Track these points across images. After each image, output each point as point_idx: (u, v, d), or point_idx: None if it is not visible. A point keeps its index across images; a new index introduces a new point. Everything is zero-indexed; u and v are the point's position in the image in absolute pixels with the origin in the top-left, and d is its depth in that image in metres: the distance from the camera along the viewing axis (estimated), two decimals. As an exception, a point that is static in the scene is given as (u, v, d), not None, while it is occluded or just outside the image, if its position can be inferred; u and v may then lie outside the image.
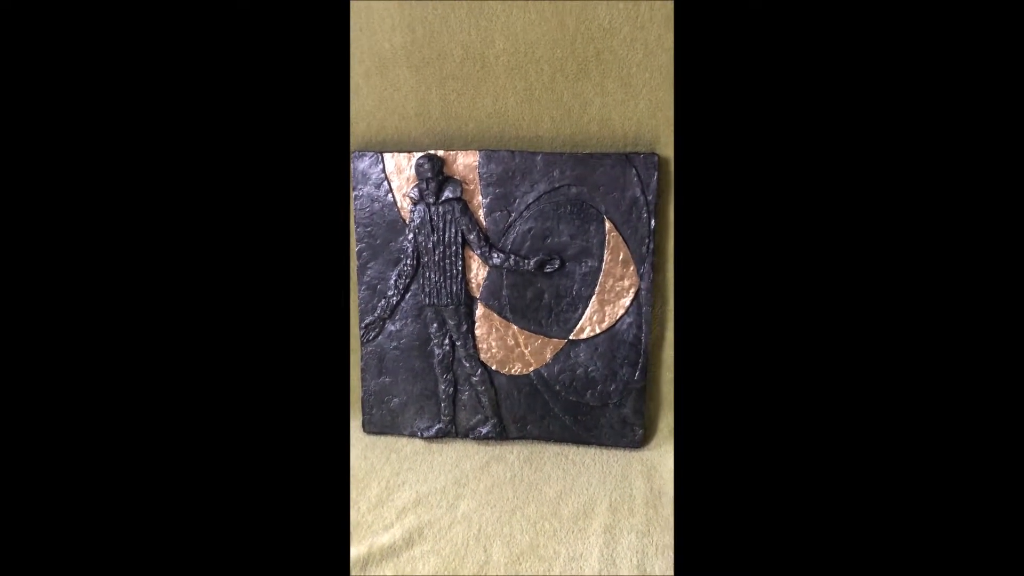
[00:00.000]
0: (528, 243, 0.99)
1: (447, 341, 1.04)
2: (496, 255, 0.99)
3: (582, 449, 1.05)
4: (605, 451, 1.05)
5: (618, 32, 0.91)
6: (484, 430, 1.07)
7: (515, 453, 1.05)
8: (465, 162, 0.98)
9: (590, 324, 1.02)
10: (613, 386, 1.03)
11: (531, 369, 1.04)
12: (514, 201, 0.98)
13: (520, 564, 0.82)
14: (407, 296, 1.04)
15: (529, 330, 1.03)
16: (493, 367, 1.05)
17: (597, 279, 1.00)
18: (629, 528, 0.88)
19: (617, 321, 1.01)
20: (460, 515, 0.91)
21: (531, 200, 0.98)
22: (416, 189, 0.99)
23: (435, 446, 1.07)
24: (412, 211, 1.00)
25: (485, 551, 0.85)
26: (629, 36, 0.91)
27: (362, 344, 1.07)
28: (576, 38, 0.92)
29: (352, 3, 0.94)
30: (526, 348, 1.04)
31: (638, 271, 0.99)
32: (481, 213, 0.99)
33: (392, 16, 0.94)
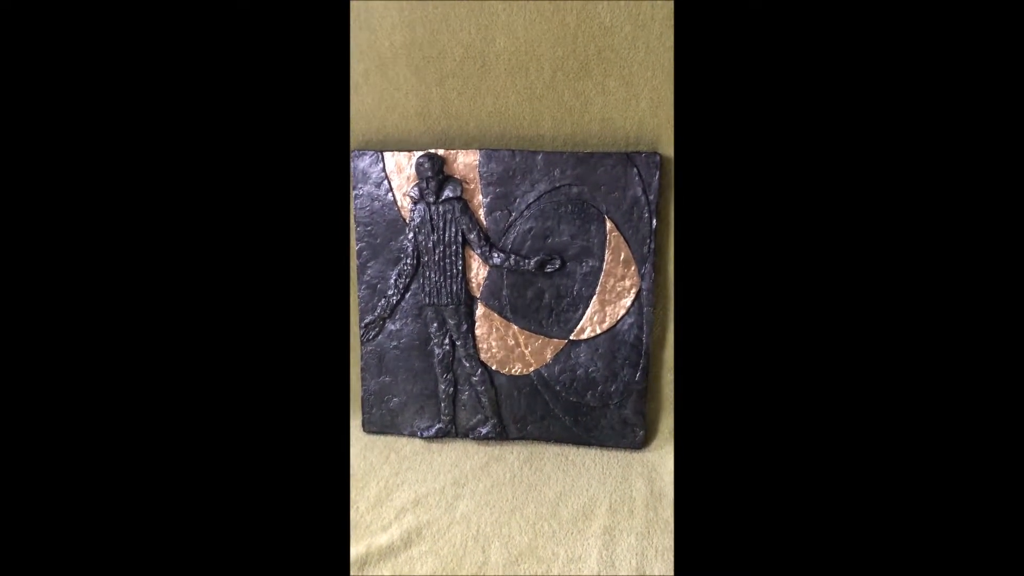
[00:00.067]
0: (529, 243, 0.99)
1: (447, 341, 1.04)
2: (496, 255, 0.99)
3: (582, 450, 1.05)
4: (605, 452, 1.04)
5: (619, 30, 0.90)
6: (484, 430, 1.06)
7: (515, 453, 1.04)
8: (465, 161, 0.98)
9: (591, 324, 1.01)
10: (614, 387, 1.02)
11: (531, 369, 1.04)
12: (514, 200, 0.98)
13: (518, 565, 0.82)
14: (407, 295, 1.04)
15: (529, 330, 1.02)
16: (493, 367, 1.05)
17: (598, 279, 0.99)
18: (629, 530, 0.87)
19: (618, 321, 1.00)
20: (459, 515, 0.90)
21: (532, 199, 0.98)
22: (416, 188, 0.99)
23: (435, 446, 1.07)
24: (412, 210, 1.00)
25: (483, 552, 0.84)
26: (630, 35, 0.90)
27: (362, 343, 1.07)
28: (577, 37, 0.91)
29: (352, 2, 0.94)
30: (526, 348, 1.03)
31: (639, 271, 0.98)
32: (481, 212, 0.99)
33: (392, 15, 0.94)
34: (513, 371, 1.04)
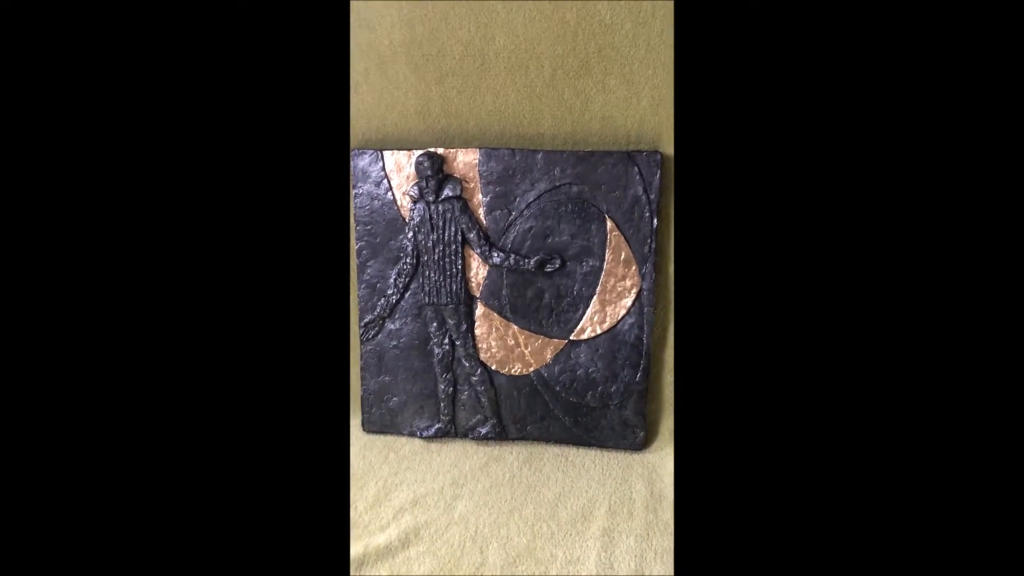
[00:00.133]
0: (528, 242, 0.98)
1: (447, 340, 1.04)
2: (496, 254, 0.99)
3: (582, 451, 1.04)
4: (605, 453, 1.04)
5: (620, 28, 0.89)
6: (483, 430, 1.06)
7: (514, 454, 1.04)
8: (465, 160, 0.97)
9: (591, 324, 1.00)
10: (614, 387, 1.02)
11: (531, 369, 1.03)
12: (514, 199, 0.97)
13: (516, 566, 0.81)
14: (407, 295, 1.03)
15: (529, 330, 1.02)
16: (493, 367, 1.04)
17: (598, 279, 0.99)
18: (628, 532, 0.86)
19: (618, 322, 1.00)
20: (457, 516, 0.90)
21: (532, 199, 0.97)
22: (416, 187, 0.98)
23: (434, 446, 1.07)
24: (412, 209, 0.99)
25: (481, 553, 0.84)
26: (631, 32, 0.89)
27: (362, 343, 1.06)
28: (577, 34, 0.90)
29: (352, 1, 0.93)
30: (526, 348, 1.03)
31: (640, 271, 0.97)
32: (481, 212, 0.99)
33: (391, 13, 0.94)
34: (513, 371, 1.04)
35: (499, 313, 1.02)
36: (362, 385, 1.08)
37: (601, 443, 1.04)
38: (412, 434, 1.08)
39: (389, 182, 1.00)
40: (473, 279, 1.01)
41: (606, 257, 0.98)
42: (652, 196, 0.95)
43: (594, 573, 0.80)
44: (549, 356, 1.02)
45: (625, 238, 0.97)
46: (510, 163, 0.96)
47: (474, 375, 1.04)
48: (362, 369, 1.07)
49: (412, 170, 0.98)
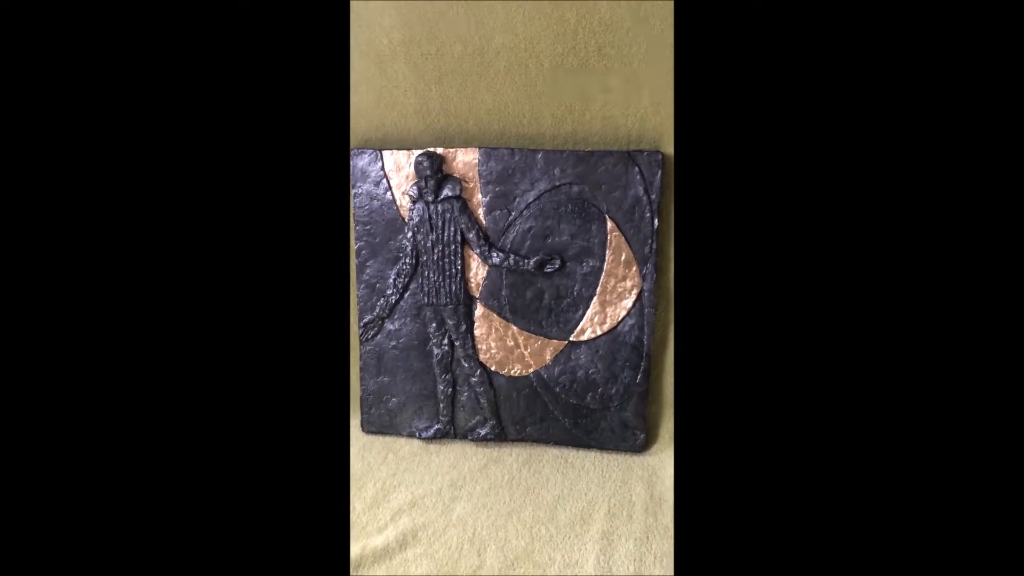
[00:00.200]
0: (528, 242, 0.98)
1: (446, 341, 1.03)
2: (495, 254, 0.98)
3: (582, 453, 1.03)
4: (605, 455, 1.03)
5: (620, 26, 0.88)
6: (483, 431, 1.05)
7: (514, 455, 1.03)
8: (464, 160, 0.97)
9: (591, 325, 1.00)
10: (614, 389, 1.01)
11: (531, 370, 1.03)
12: (514, 199, 0.97)
13: (514, 569, 0.81)
14: (406, 295, 1.03)
15: (529, 331, 1.01)
16: (492, 368, 1.03)
17: (598, 280, 0.98)
18: (627, 535, 0.86)
19: (619, 323, 0.99)
20: (455, 518, 0.89)
21: (531, 199, 0.96)
22: (415, 187, 0.98)
23: (433, 447, 1.06)
24: (411, 209, 0.99)
25: (479, 555, 0.83)
26: (631, 30, 0.88)
27: (361, 343, 1.06)
28: (577, 33, 0.90)
29: (351, 0, 0.93)
30: (526, 349, 1.02)
31: (640, 272, 0.97)
32: (481, 212, 0.98)
33: (390, 11, 0.93)
34: (512, 372, 1.03)
35: (498, 314, 1.01)
36: (361, 385, 1.07)
37: (601, 445, 1.03)
38: (411, 435, 1.08)
39: (388, 182, 1.00)
40: (472, 279, 1.01)
41: (606, 258, 0.97)
42: (653, 196, 0.94)
43: (592, 577, 0.79)
44: (549, 357, 1.02)
45: (626, 238, 0.96)
46: (510, 163, 0.95)
47: (473, 376, 1.03)
48: (361, 369, 1.07)
49: (411, 170, 0.98)
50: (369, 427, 1.09)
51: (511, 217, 0.97)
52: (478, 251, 0.98)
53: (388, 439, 1.08)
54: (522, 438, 1.05)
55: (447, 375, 1.04)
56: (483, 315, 1.02)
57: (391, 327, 1.05)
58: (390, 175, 0.99)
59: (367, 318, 1.05)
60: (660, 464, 1.00)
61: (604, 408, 1.02)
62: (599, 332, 1.00)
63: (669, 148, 0.93)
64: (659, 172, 0.93)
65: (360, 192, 1.01)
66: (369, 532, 0.87)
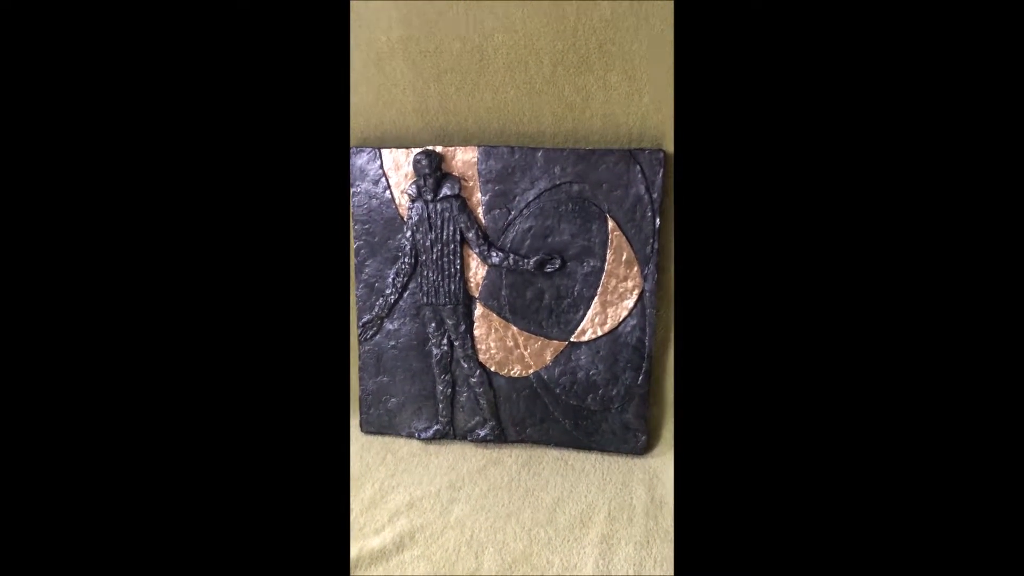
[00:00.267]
0: (528, 242, 0.97)
1: (445, 341, 1.02)
2: (495, 254, 0.97)
3: (582, 454, 1.02)
4: (606, 457, 1.02)
5: (621, 23, 0.87)
6: (482, 432, 1.04)
7: (513, 457, 1.02)
8: (464, 158, 0.96)
9: (592, 326, 0.98)
10: (615, 390, 1.00)
11: (531, 371, 1.02)
12: (514, 198, 0.96)
13: (512, 572, 0.80)
14: (405, 295, 1.02)
15: (529, 331, 1.00)
16: (492, 368, 1.03)
17: (599, 280, 0.97)
18: (627, 539, 0.85)
19: (620, 323, 0.98)
20: (453, 520, 0.89)
21: (531, 197, 0.95)
22: (414, 186, 0.97)
23: (432, 448, 1.06)
24: (410, 208, 0.98)
25: (476, 558, 0.82)
26: (632, 27, 0.87)
27: (360, 343, 1.05)
28: (577, 30, 0.88)
29: (350, -2, 0.92)
30: (526, 350, 1.01)
31: (642, 272, 0.95)
32: (480, 211, 0.97)
33: (388, 9, 0.92)
34: (512, 373, 1.02)
35: (498, 314, 1.00)
36: (360, 385, 1.07)
37: (602, 447, 1.02)
38: (410, 435, 1.07)
39: (387, 180, 0.99)
40: (472, 279, 1.00)
41: (607, 257, 0.96)
42: (655, 195, 0.93)
43: (591, 581, 0.78)
44: (549, 358, 1.01)
45: (627, 238, 0.95)
46: (509, 161, 0.94)
47: (473, 376, 1.03)
48: (360, 369, 1.06)
49: (410, 168, 0.97)
50: (368, 427, 1.08)
51: (511, 216, 0.96)
52: (477, 250, 0.98)
53: (387, 439, 1.08)
54: (522, 439, 1.04)
55: (446, 375, 1.04)
56: (483, 315, 1.01)
57: (390, 327, 1.04)
58: (389, 174, 0.99)
59: (366, 318, 1.04)
60: (661, 467, 0.99)
61: (605, 410, 1.01)
62: (600, 333, 0.98)
63: (671, 146, 0.92)
64: (661, 171, 0.92)
65: (359, 191, 1.00)
66: (366, 534, 0.86)
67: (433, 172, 0.95)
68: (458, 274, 0.99)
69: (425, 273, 1.00)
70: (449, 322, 1.01)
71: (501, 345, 1.01)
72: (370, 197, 1.00)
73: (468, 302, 1.01)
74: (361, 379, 1.07)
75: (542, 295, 0.99)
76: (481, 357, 1.02)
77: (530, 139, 0.96)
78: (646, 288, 0.96)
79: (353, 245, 1.02)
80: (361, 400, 1.07)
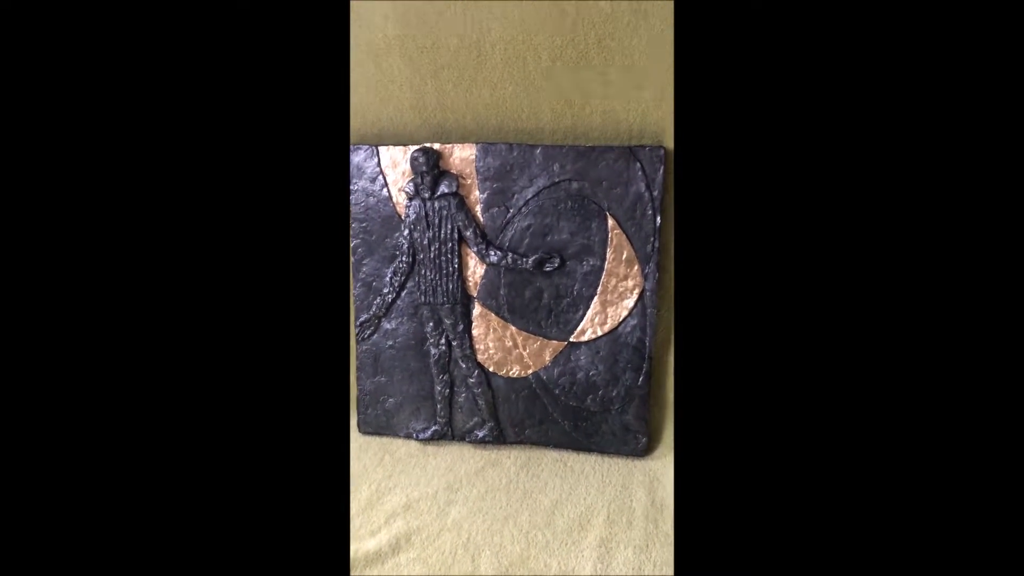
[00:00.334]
0: (527, 240, 0.95)
1: (443, 341, 1.01)
2: (493, 252, 0.96)
3: (582, 456, 1.01)
4: (606, 459, 1.00)
5: (620, 18, 0.86)
6: (481, 433, 1.03)
7: (512, 458, 1.01)
8: (462, 155, 0.94)
9: (591, 326, 0.97)
10: (615, 391, 0.98)
11: (530, 372, 1.00)
12: (512, 196, 0.94)
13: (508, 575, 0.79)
14: (403, 294, 1.01)
15: (528, 331, 0.99)
16: (490, 368, 1.01)
17: (599, 279, 0.95)
18: (626, 542, 0.83)
19: (620, 323, 0.96)
20: (450, 522, 0.88)
21: (530, 195, 0.94)
22: (411, 183, 0.96)
23: (430, 448, 1.04)
24: (407, 206, 0.97)
25: (473, 561, 0.81)
26: (632, 22, 0.86)
27: (357, 342, 1.04)
28: (576, 24, 0.87)
29: (347, -7, 0.91)
30: (524, 350, 1.00)
31: (642, 271, 0.94)
32: (478, 209, 0.96)
33: (385, 5, 0.91)
34: (511, 373, 1.01)
35: (497, 313, 0.99)
36: (358, 385, 1.06)
37: (601, 449, 1.01)
38: (408, 436, 1.06)
39: (384, 178, 0.98)
40: (470, 278, 0.99)
41: (607, 256, 0.94)
42: (655, 193, 0.91)
43: (588, 585, 0.77)
44: (548, 358, 0.99)
45: (627, 236, 0.93)
46: (508, 158, 0.93)
47: (471, 377, 1.01)
48: (358, 369, 1.05)
49: (407, 166, 0.96)
50: (366, 428, 1.07)
51: (509, 214, 0.95)
52: (475, 249, 0.96)
53: (385, 440, 1.07)
54: (521, 440, 1.03)
55: (444, 375, 1.02)
56: (481, 314, 1.00)
57: (388, 326, 1.03)
58: (386, 171, 0.98)
59: (363, 317, 1.03)
60: (662, 469, 0.97)
61: (605, 411, 0.99)
62: (600, 333, 0.97)
63: (672, 143, 0.91)
64: (661, 168, 0.90)
65: (356, 189, 0.99)
66: (362, 535, 0.85)
67: (430, 169, 0.94)
68: (456, 273, 0.98)
69: (423, 272, 0.99)
70: (447, 321, 1.00)
71: (500, 345, 1.00)
72: (367, 195, 0.99)
73: (466, 301, 0.99)
74: (359, 379, 1.06)
75: (541, 294, 0.97)
76: (479, 357, 1.01)
77: (529, 136, 0.94)
78: (646, 287, 0.94)
79: (351, 243, 1.01)
80: (359, 400, 1.06)
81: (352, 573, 0.80)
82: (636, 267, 0.94)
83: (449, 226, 0.96)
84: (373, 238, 1.00)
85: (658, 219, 0.92)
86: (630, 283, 0.95)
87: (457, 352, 1.01)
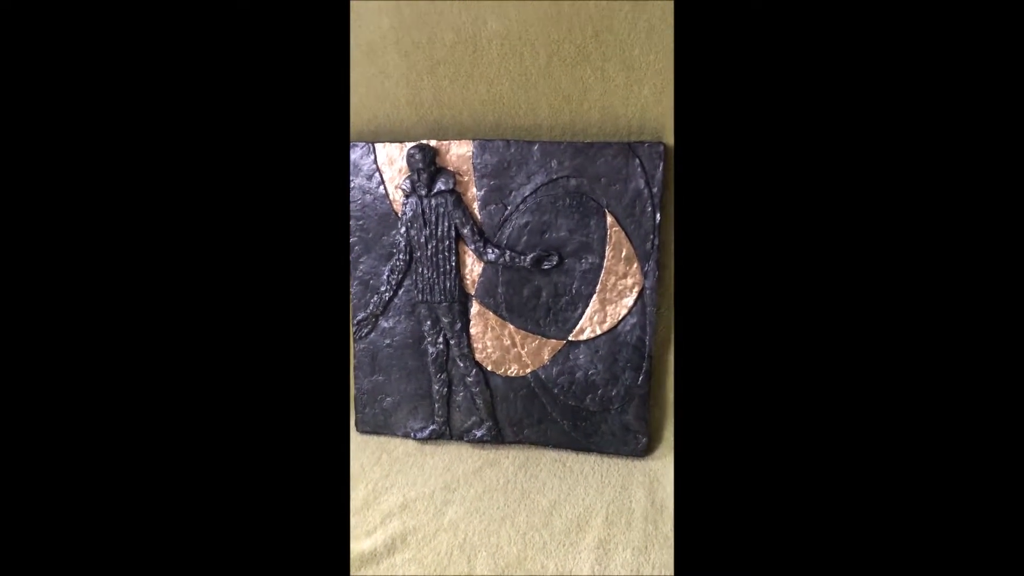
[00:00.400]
0: (525, 238, 0.94)
1: (441, 340, 1.00)
2: (491, 250, 0.95)
3: (581, 456, 1.00)
4: (605, 459, 0.99)
5: (618, 11, 0.84)
6: (479, 433, 1.02)
7: (510, 458, 1.00)
8: (458, 152, 0.93)
9: (590, 324, 0.96)
10: (615, 391, 0.97)
11: (528, 371, 0.99)
12: (510, 193, 0.93)
13: (504, 578, 0.78)
14: (400, 292, 1.00)
15: (526, 330, 0.98)
16: (488, 368, 1.00)
17: (598, 277, 0.94)
18: (625, 544, 0.82)
19: (619, 322, 0.95)
20: (447, 522, 0.87)
21: (528, 192, 0.93)
22: (408, 181, 0.95)
23: (428, 448, 1.04)
24: (404, 204, 0.96)
25: (469, 562, 0.80)
26: (630, 15, 0.84)
27: (355, 341, 1.04)
28: (573, 18, 0.86)
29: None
30: (523, 348, 0.99)
31: (642, 269, 0.92)
32: (475, 206, 0.95)
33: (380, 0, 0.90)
34: (509, 372, 1.00)
35: (494, 312, 0.98)
36: (355, 384, 1.05)
37: (601, 449, 0.99)
38: (406, 435, 1.05)
39: (381, 176, 0.97)
40: (468, 276, 0.98)
41: (606, 254, 0.93)
42: (655, 190, 0.90)
43: (585, 587, 0.76)
44: (547, 357, 0.98)
45: (626, 234, 0.92)
46: (505, 155, 0.92)
47: (469, 376, 1.00)
48: (355, 368, 1.05)
49: (404, 163, 0.95)
50: (364, 427, 1.07)
51: (507, 212, 0.94)
52: (473, 247, 0.95)
53: (382, 439, 1.06)
54: (519, 440, 1.02)
55: (442, 374, 1.02)
56: (479, 313, 0.99)
57: (385, 325, 1.02)
58: (383, 169, 0.97)
59: (361, 315, 1.02)
60: (662, 469, 0.96)
61: (604, 410, 0.98)
62: (599, 331, 0.96)
63: (671, 139, 0.89)
64: (661, 164, 0.89)
65: (353, 186, 0.99)
66: (357, 535, 0.85)
67: (427, 167, 0.93)
68: (453, 271, 0.97)
69: (420, 270, 0.98)
70: (445, 320, 0.99)
71: (498, 344, 0.99)
72: (364, 193, 0.98)
73: (464, 300, 0.98)
74: (356, 378, 1.05)
75: (539, 293, 0.96)
76: (477, 356, 1.00)
77: (526, 132, 0.93)
78: (646, 285, 0.93)
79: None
80: (356, 399, 1.06)
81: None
82: (635, 265, 0.93)
83: (446, 224, 0.95)
84: (370, 236, 1.00)
85: (658, 216, 0.90)
86: (629, 281, 0.93)
87: (455, 351, 1.00)
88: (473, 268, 0.97)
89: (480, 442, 1.03)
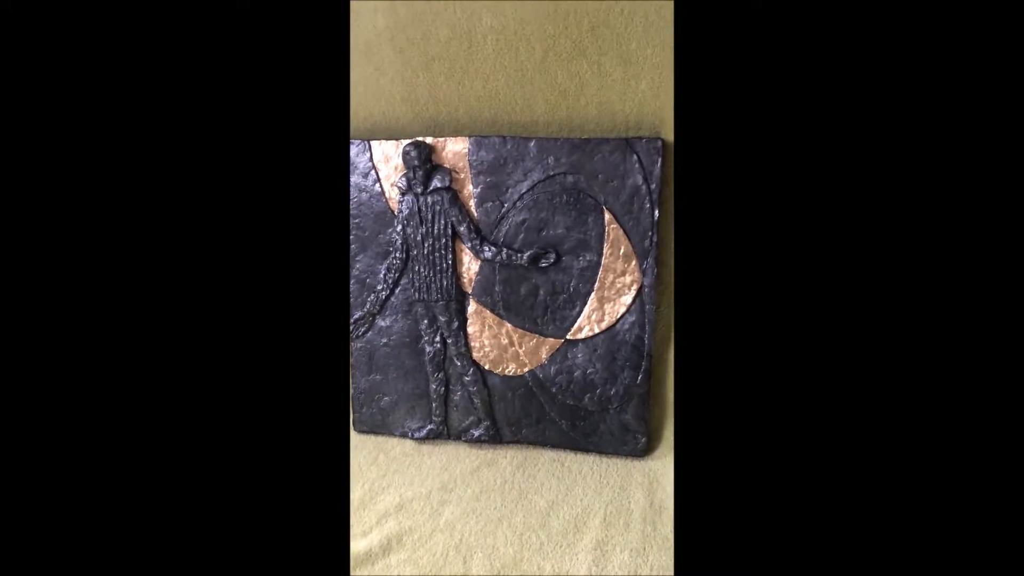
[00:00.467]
0: (522, 235, 0.93)
1: (438, 338, 0.99)
2: (488, 248, 0.94)
3: (580, 456, 0.99)
4: (604, 459, 0.98)
5: (615, 5, 0.83)
6: (477, 432, 1.01)
7: (508, 458, 0.99)
8: (454, 149, 0.93)
9: (588, 323, 0.95)
10: (613, 390, 0.96)
11: (526, 370, 0.98)
12: (506, 190, 0.92)
13: (500, 579, 0.77)
14: (397, 291, 1.00)
15: (524, 328, 0.97)
16: (486, 367, 0.99)
17: (596, 275, 0.93)
18: (623, 545, 0.81)
19: (618, 320, 0.94)
20: (443, 523, 0.86)
21: (524, 189, 0.92)
22: (404, 178, 0.94)
23: (425, 448, 1.03)
24: (400, 202, 0.95)
25: (464, 563, 0.80)
26: (627, 9, 0.83)
27: (352, 340, 1.03)
28: (569, 12, 0.85)
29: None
30: (520, 347, 0.98)
31: (640, 266, 0.91)
32: (472, 203, 0.94)
33: (374, -5, 0.90)
34: (507, 371, 0.99)
35: (492, 310, 0.97)
36: (352, 384, 1.05)
37: (600, 449, 0.98)
38: (404, 435, 1.05)
39: (377, 173, 0.96)
40: (465, 274, 0.97)
41: (604, 251, 0.92)
42: (653, 186, 0.89)
43: (582, 589, 0.75)
44: (545, 356, 0.97)
45: (624, 231, 0.91)
46: (501, 152, 0.91)
47: (466, 375, 1.00)
48: (352, 367, 1.04)
49: (400, 160, 0.94)
50: (361, 426, 1.06)
51: (504, 209, 0.93)
52: (469, 245, 0.94)
53: (380, 439, 1.05)
54: (517, 440, 1.01)
55: (440, 373, 1.01)
56: (476, 311, 0.98)
57: (382, 324, 1.02)
58: (379, 166, 0.96)
59: (357, 314, 1.02)
60: (662, 469, 0.95)
61: (603, 410, 0.97)
62: (597, 330, 0.95)
63: (670, 135, 0.88)
64: (659, 160, 0.87)
65: (349, 184, 0.98)
66: (353, 535, 0.84)
67: (423, 164, 0.92)
68: (450, 269, 0.96)
69: (417, 268, 0.97)
70: (442, 319, 0.98)
71: (495, 343, 0.98)
72: (360, 190, 0.98)
73: (461, 298, 0.98)
74: (353, 377, 1.04)
75: (537, 291, 0.95)
76: (475, 355, 0.99)
77: (523, 128, 0.92)
78: (645, 283, 0.92)
79: (343, 240, 1.00)
80: (354, 399, 1.05)
81: (342, 574, 0.79)
82: (634, 262, 0.91)
83: (442, 221, 0.94)
84: (366, 234, 0.99)
85: (656, 213, 0.89)
86: (628, 279, 0.92)
87: (452, 350, 0.99)
88: (470, 266, 0.96)
89: (478, 442, 1.02)
